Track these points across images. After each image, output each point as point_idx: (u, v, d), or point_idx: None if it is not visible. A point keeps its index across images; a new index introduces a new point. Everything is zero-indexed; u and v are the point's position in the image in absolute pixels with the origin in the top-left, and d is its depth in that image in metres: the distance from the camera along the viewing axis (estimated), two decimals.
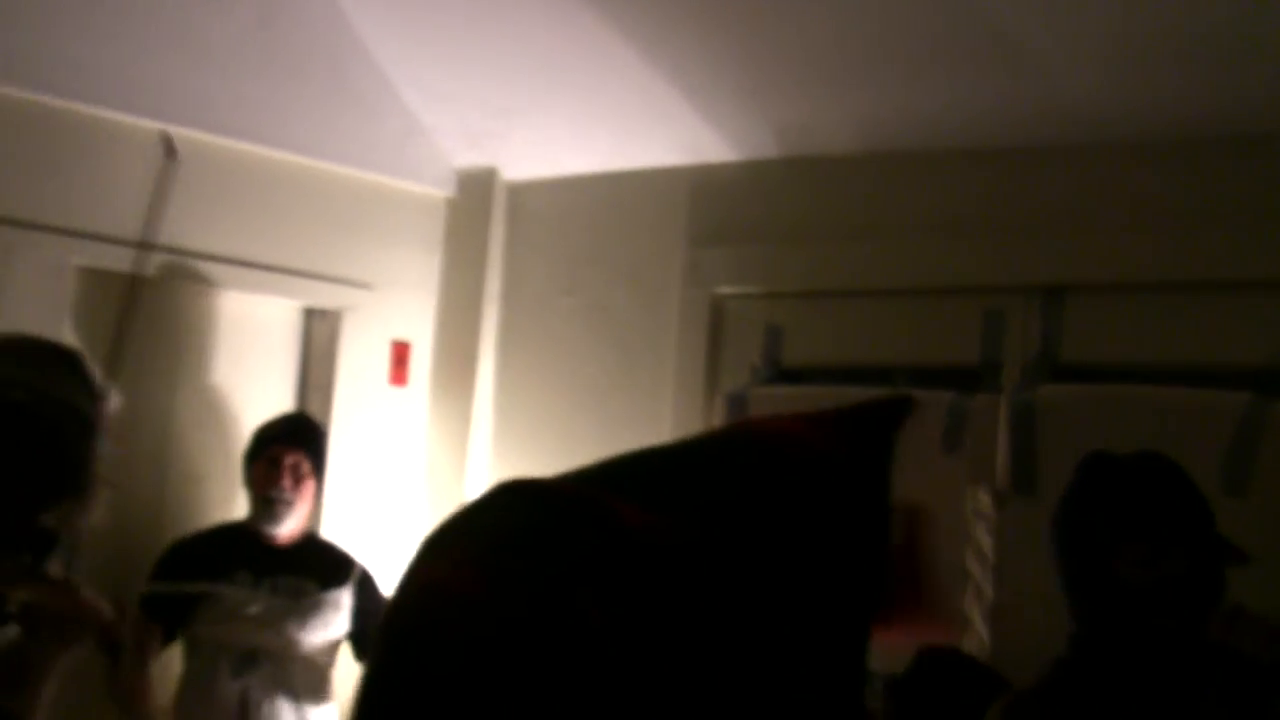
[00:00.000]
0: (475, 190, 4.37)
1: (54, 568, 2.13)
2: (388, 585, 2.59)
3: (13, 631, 2.03)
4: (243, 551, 3.48)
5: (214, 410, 3.84)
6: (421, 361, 4.34)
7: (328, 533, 3.88)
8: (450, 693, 1.12)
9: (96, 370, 2.25)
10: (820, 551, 1.33)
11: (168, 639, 3.40)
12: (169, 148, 2.96)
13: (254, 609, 3.40)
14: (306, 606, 3.46)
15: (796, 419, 1.44)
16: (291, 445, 3.54)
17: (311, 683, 3.44)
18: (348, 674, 3.50)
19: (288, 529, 3.52)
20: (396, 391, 4.29)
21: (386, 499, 4.16)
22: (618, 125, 3.97)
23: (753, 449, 1.36)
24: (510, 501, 1.25)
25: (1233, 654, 2.26)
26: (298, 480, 3.52)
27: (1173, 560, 2.19)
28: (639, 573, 1.18)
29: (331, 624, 3.49)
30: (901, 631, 1.68)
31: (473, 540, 1.21)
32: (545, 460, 2.75)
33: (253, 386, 3.99)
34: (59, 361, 2.18)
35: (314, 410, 4.10)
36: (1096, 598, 2.24)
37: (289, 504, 3.50)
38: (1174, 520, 2.23)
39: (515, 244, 4.37)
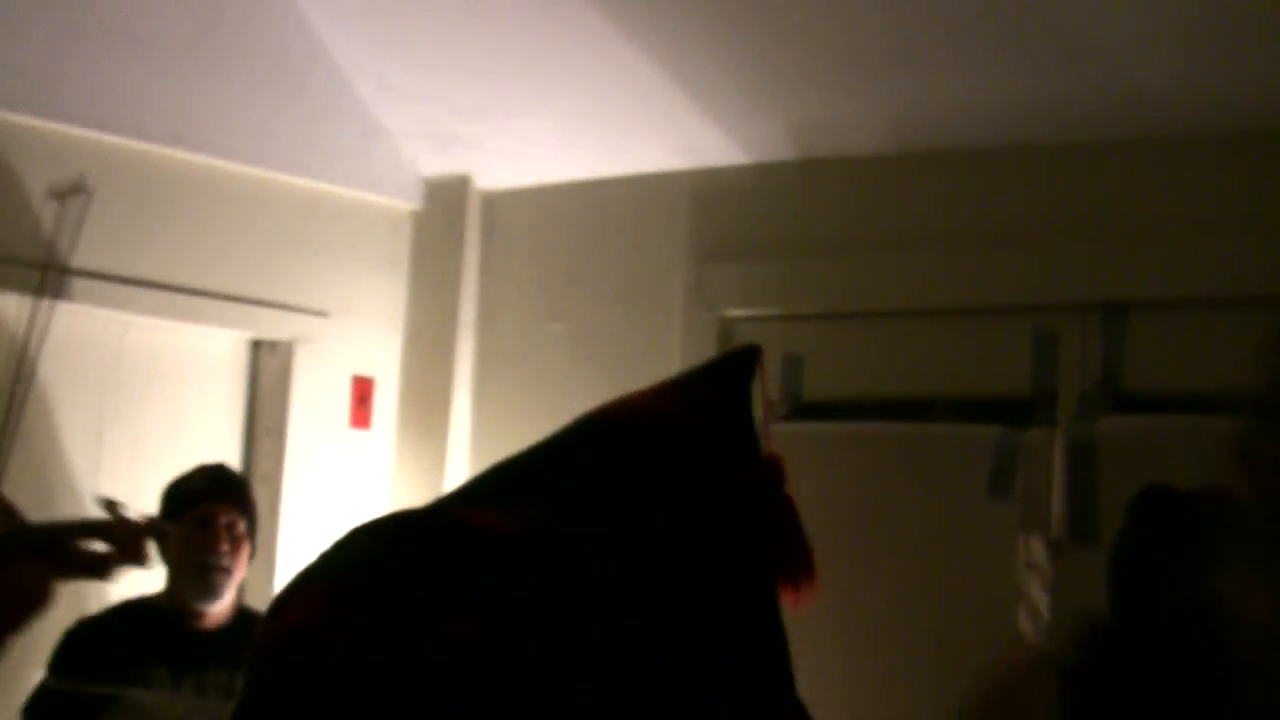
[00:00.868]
0: (445, 201, 4.33)
1: None
2: None
3: None
4: (159, 640, 3.24)
5: (148, 459, 3.74)
6: (386, 400, 4.31)
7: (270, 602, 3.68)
8: None
9: None
10: (695, 519, 1.32)
11: None
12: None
13: (178, 713, 3.17)
14: None
15: (644, 393, 1.42)
16: (225, 502, 3.32)
17: None
18: None
19: (223, 604, 3.32)
20: (358, 435, 4.25)
21: None
22: (607, 125, 3.99)
23: (604, 430, 1.36)
24: (358, 537, 1.25)
25: None
26: (235, 544, 3.31)
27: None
28: (496, 571, 1.20)
29: None
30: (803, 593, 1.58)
31: (320, 580, 1.22)
32: None
33: (193, 430, 3.96)
34: None
35: (263, 459, 4.07)
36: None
37: (228, 572, 3.28)
38: (1223, 554, 2.14)
39: (492, 263, 4.34)
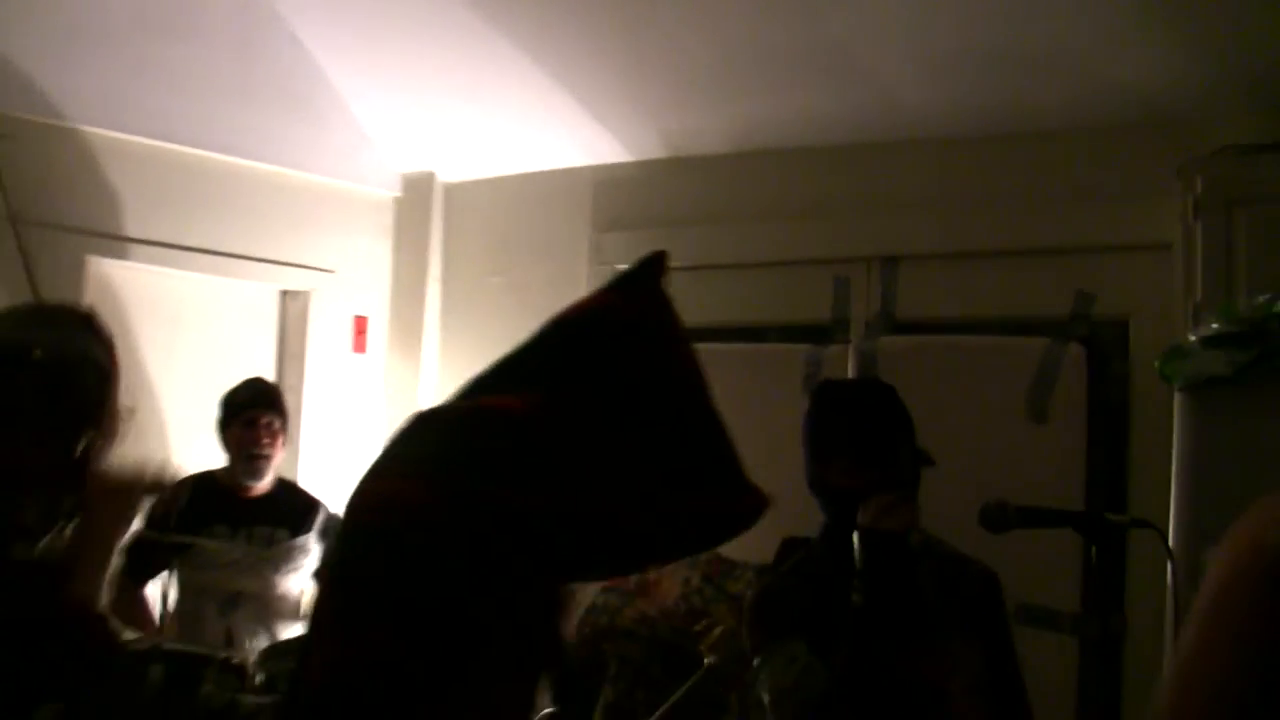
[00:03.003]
0: (417, 190, 4.59)
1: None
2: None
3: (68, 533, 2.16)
4: (220, 504, 3.53)
5: (206, 377, 3.98)
6: (378, 332, 4.54)
7: (303, 478, 4.07)
8: (418, 581, 1.29)
9: (105, 325, 2.37)
10: (644, 370, 1.49)
11: (154, 573, 3.52)
12: None
13: (233, 558, 3.46)
14: (279, 554, 3.51)
15: (592, 295, 1.59)
16: (264, 408, 3.60)
17: (289, 614, 3.58)
18: None
19: (267, 481, 3.61)
20: (358, 358, 4.50)
21: (352, 449, 4.36)
22: (533, 134, 4.21)
23: (569, 324, 1.52)
24: (423, 429, 1.44)
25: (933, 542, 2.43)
26: (272, 437, 3.59)
27: (871, 470, 2.34)
28: (534, 446, 1.34)
29: (302, 567, 3.60)
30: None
31: (405, 463, 1.39)
32: None
33: (238, 356, 4.23)
34: (74, 321, 2.28)
35: (289, 375, 4.30)
36: (823, 498, 2.44)
37: (269, 458, 3.58)
38: (871, 438, 2.38)
39: (452, 234, 4.58)
